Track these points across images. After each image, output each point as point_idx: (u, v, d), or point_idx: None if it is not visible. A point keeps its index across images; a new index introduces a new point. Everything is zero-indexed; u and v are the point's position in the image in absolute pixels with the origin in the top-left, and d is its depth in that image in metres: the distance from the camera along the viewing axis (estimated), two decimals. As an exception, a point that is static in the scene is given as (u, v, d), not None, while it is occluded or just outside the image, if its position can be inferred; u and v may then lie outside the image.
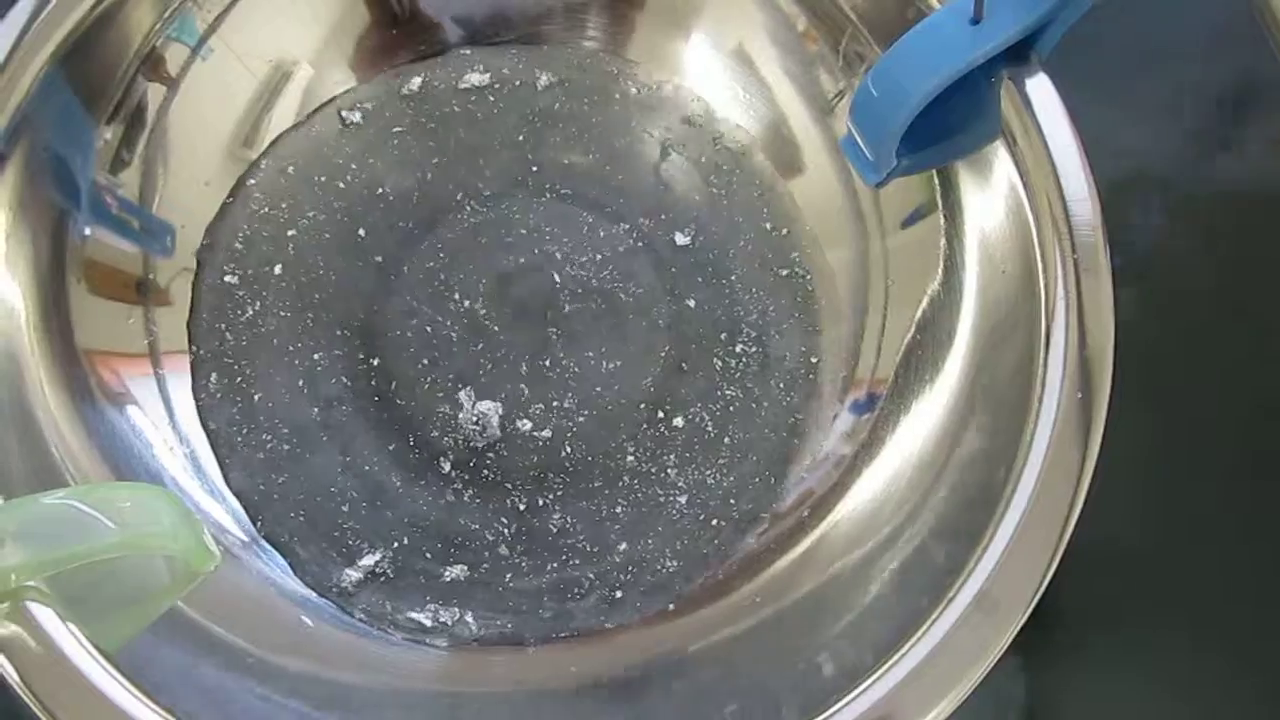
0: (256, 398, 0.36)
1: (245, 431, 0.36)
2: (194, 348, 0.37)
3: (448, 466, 0.36)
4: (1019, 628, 0.28)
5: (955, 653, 0.28)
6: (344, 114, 0.40)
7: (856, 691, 0.28)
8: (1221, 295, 0.39)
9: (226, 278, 0.37)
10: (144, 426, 0.35)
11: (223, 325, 0.37)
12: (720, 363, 0.37)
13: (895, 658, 0.28)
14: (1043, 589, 0.28)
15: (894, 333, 0.36)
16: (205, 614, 0.31)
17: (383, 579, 0.35)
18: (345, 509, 0.35)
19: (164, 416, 0.35)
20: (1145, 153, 0.40)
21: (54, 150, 0.34)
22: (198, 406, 0.36)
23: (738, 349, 0.38)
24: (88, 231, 0.35)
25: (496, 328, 0.37)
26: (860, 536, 0.33)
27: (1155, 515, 0.37)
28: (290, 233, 0.38)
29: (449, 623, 0.34)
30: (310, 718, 0.30)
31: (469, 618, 0.34)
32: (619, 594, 0.35)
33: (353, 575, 0.34)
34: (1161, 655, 0.36)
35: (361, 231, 0.39)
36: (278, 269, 0.38)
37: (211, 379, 0.36)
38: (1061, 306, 0.31)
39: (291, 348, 0.37)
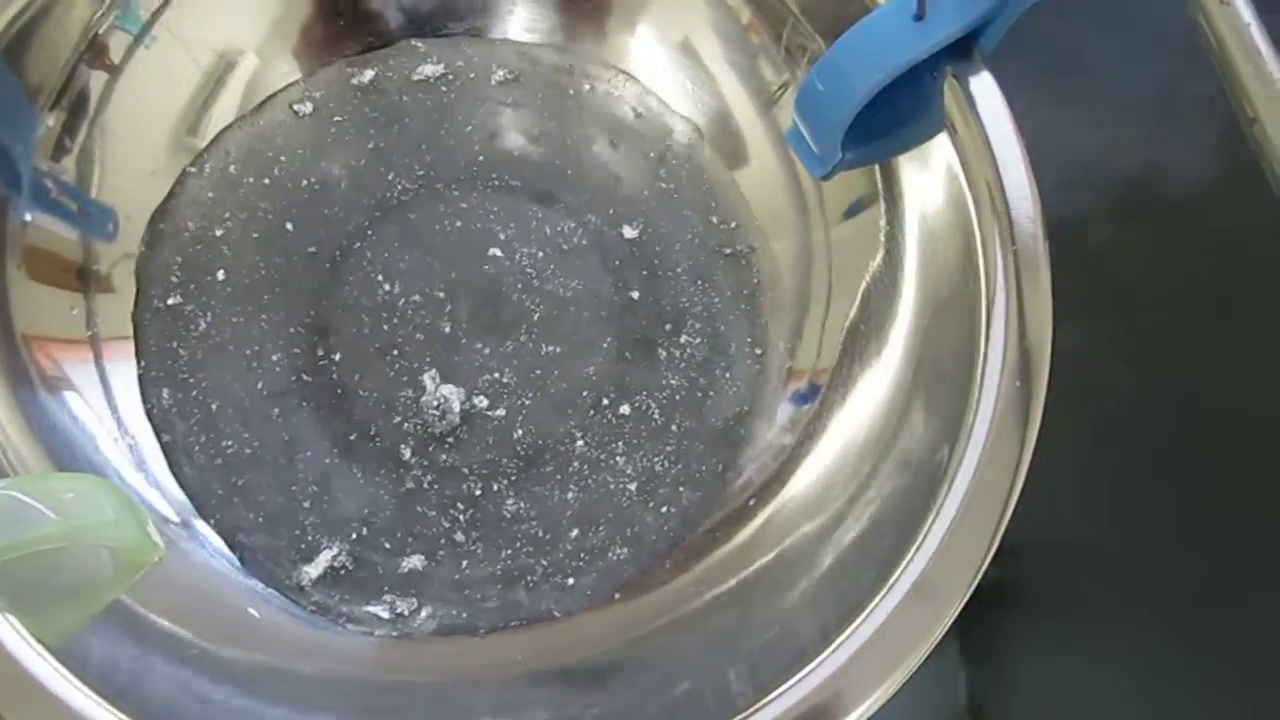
0: (214, 406, 0.36)
1: (204, 439, 0.36)
2: (142, 363, 0.36)
3: (408, 453, 0.36)
4: (959, 611, 0.29)
5: (896, 637, 0.28)
6: (295, 106, 0.39)
7: (801, 674, 0.28)
8: (1176, 291, 0.39)
9: (171, 300, 0.37)
10: (86, 417, 0.35)
11: (175, 343, 0.37)
12: (665, 353, 0.38)
13: (838, 641, 0.29)
14: (980, 574, 0.29)
15: (836, 322, 0.37)
16: (147, 604, 0.31)
17: (342, 572, 0.35)
18: (306, 505, 0.35)
19: (106, 407, 0.35)
20: (1088, 154, 0.41)
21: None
22: (149, 417, 0.36)
23: (682, 340, 0.38)
24: (28, 217, 0.35)
25: (446, 315, 0.37)
26: (804, 523, 0.34)
27: (1104, 506, 0.38)
28: (234, 233, 0.38)
29: (405, 613, 0.34)
30: (256, 708, 0.30)
31: (425, 609, 0.34)
32: (570, 581, 0.35)
33: (311, 572, 0.34)
34: (1110, 645, 0.37)
35: (308, 225, 0.38)
36: (220, 274, 0.38)
37: (164, 394, 0.36)
38: (1001, 298, 0.31)
39: (248, 352, 0.37)
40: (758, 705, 0.28)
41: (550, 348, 0.37)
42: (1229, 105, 0.27)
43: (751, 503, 0.35)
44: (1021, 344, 0.31)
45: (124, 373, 0.36)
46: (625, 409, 0.37)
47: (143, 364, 0.36)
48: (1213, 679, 0.34)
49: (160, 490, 0.35)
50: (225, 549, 0.35)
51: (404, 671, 0.33)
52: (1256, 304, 0.35)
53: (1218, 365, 0.36)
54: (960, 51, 0.33)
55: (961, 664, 0.36)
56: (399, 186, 0.39)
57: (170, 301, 0.37)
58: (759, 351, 0.38)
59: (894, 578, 0.29)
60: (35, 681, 0.27)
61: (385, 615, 0.34)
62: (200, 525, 0.35)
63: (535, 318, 0.38)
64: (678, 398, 0.37)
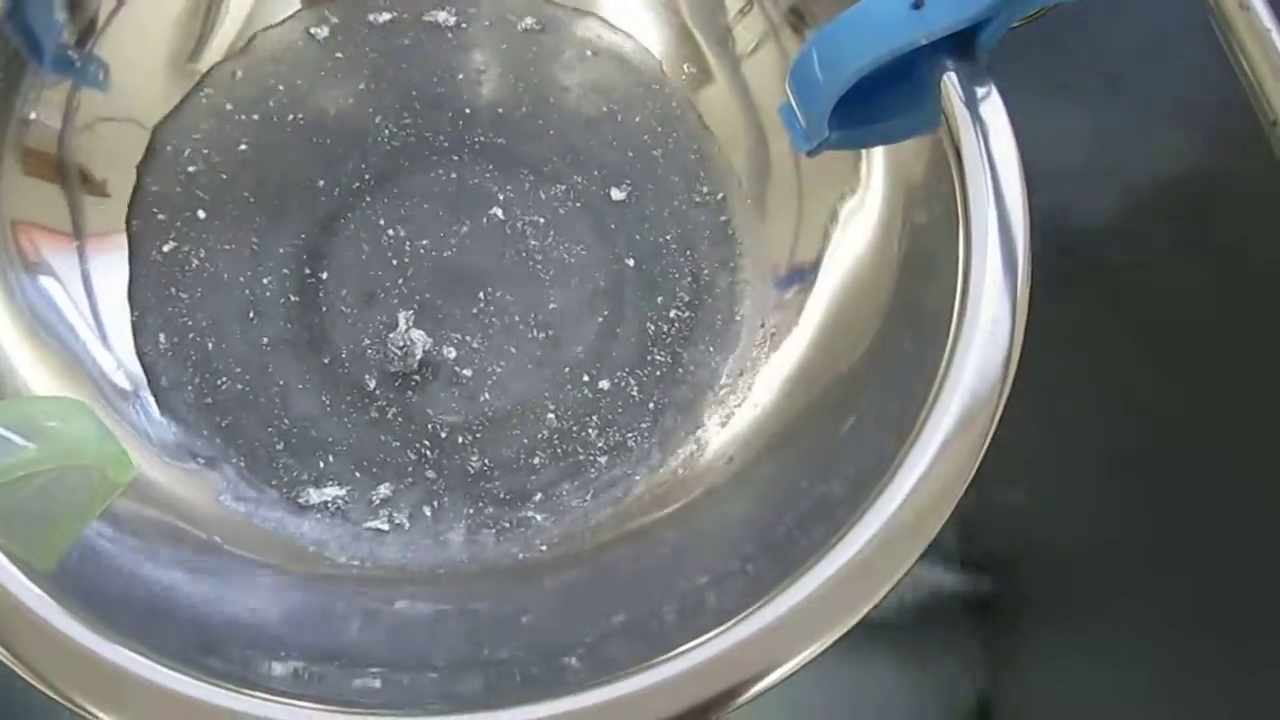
0: (210, 345, 0.36)
1: (198, 380, 0.36)
2: (135, 312, 0.36)
3: (373, 384, 0.36)
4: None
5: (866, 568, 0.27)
6: (312, 30, 0.40)
7: (738, 617, 0.27)
8: (1185, 291, 0.39)
9: (167, 247, 0.37)
10: (64, 304, 0.35)
11: (173, 289, 0.37)
12: (653, 327, 0.38)
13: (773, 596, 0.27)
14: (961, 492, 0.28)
15: (823, 288, 0.37)
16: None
17: (333, 504, 0.35)
18: (280, 445, 0.35)
19: (84, 296, 0.35)
20: (1090, 148, 0.41)
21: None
22: (143, 362, 0.36)
23: (671, 314, 0.38)
24: (33, 115, 0.35)
25: (430, 268, 0.38)
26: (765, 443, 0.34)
27: (1114, 511, 0.37)
28: (231, 158, 0.38)
29: (404, 522, 0.34)
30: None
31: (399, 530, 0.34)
32: (535, 540, 0.34)
33: (303, 499, 0.35)
34: (1120, 648, 0.36)
35: (302, 160, 0.39)
36: (203, 213, 0.38)
37: (160, 339, 0.36)
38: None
39: (241, 278, 0.37)
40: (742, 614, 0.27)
41: (537, 323, 0.38)
42: (1241, 105, 0.27)
43: (726, 462, 0.35)
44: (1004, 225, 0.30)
45: (110, 266, 0.36)
46: (605, 384, 0.37)
47: (136, 314, 0.36)
48: (1223, 683, 0.34)
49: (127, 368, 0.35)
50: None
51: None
52: (1267, 305, 0.34)
53: (1228, 366, 0.35)
54: (960, 48, 0.33)
55: (973, 666, 0.35)
56: (386, 131, 0.40)
57: (166, 249, 0.37)
58: (739, 318, 0.37)
59: (873, 496, 0.28)
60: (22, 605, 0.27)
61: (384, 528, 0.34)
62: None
63: (520, 282, 0.38)
64: (659, 374, 0.37)
